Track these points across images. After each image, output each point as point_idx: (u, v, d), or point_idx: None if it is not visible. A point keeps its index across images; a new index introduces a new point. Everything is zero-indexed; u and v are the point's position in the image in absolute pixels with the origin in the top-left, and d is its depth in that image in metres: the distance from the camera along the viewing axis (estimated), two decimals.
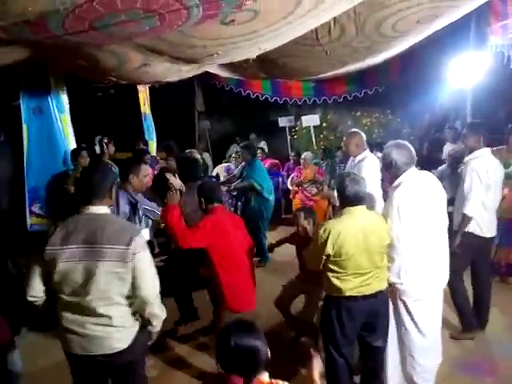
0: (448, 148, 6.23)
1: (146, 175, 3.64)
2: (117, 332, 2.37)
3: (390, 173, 3.17)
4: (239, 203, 7.27)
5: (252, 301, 3.47)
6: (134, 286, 2.33)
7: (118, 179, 3.29)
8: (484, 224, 3.86)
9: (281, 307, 4.05)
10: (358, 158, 4.55)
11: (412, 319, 3.11)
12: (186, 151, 5.96)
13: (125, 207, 3.42)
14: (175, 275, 4.17)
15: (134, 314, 2.43)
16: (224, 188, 6.33)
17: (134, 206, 3.55)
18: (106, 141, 7.23)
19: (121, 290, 2.33)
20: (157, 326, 2.52)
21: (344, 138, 4.79)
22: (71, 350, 2.39)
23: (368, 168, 4.31)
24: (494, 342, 3.94)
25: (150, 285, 2.38)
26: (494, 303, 4.15)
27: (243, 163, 6.50)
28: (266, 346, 1.82)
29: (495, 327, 4.08)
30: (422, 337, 3.13)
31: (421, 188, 3.07)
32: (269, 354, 1.81)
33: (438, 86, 7.65)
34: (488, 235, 3.95)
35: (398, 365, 3.23)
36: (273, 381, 1.80)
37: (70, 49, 3.23)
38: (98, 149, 8.20)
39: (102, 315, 2.32)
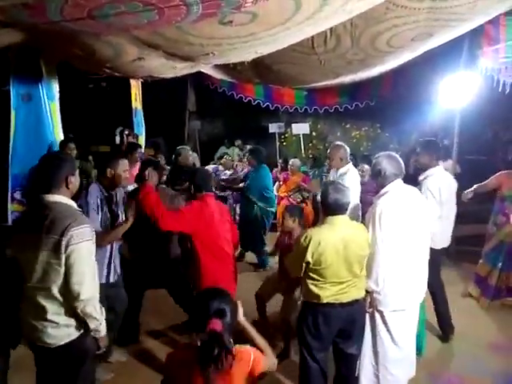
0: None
1: (125, 170, 3.55)
2: (50, 327, 2.32)
3: (377, 182, 3.23)
4: (237, 207, 7.30)
5: (230, 291, 3.43)
6: (65, 279, 2.26)
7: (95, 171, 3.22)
8: (437, 238, 3.87)
9: (258, 299, 4.10)
10: (341, 170, 4.65)
11: (387, 330, 3.15)
12: (178, 147, 5.86)
13: (92, 198, 3.33)
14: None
15: (74, 313, 2.34)
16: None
17: (108, 200, 3.47)
18: (126, 132, 7.25)
19: (57, 283, 2.27)
20: (96, 329, 2.41)
21: (328, 151, 4.86)
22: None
23: (350, 181, 4.41)
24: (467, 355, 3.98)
25: (83, 280, 2.27)
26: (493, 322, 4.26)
27: (247, 168, 6.45)
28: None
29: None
30: (396, 348, 3.17)
31: (405, 200, 3.12)
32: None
33: (428, 104, 7.75)
34: (439, 247, 4.00)
35: (372, 373, 3.25)
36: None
37: (66, 36, 3.21)
38: (117, 139, 8.17)
39: (38, 305, 2.29)
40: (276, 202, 6.51)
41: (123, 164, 3.50)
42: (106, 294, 3.03)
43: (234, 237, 3.65)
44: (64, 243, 2.21)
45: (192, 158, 6.24)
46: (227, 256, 3.45)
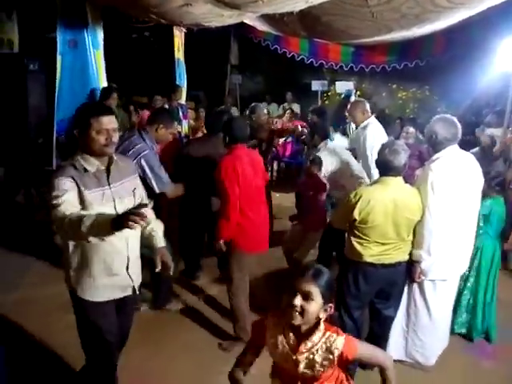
0: (491, 133, 6.08)
1: (172, 133, 3.65)
2: None
3: (431, 146, 3.08)
4: None
5: (261, 243, 3.45)
6: None
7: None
8: None
9: (286, 254, 4.19)
10: (363, 124, 4.56)
11: (424, 298, 3.10)
12: (253, 104, 5.66)
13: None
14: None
15: None
16: None
17: None
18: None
19: None
20: None
21: (348, 108, 4.77)
22: None
23: (371, 134, 4.34)
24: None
25: None
26: None
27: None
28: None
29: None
30: (429, 317, 3.13)
31: (459, 167, 2.97)
32: None
33: (482, 67, 7.34)
34: None
35: (401, 337, 3.25)
36: None
37: None
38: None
39: None
40: None
41: (175, 127, 3.68)
42: None
43: (265, 184, 3.60)
44: None
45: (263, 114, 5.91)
46: (257, 207, 3.37)
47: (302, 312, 1.71)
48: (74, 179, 2.12)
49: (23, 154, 6.18)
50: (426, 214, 2.88)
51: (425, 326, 3.15)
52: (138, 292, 2.49)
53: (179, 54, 8.27)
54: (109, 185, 2.23)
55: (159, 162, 3.42)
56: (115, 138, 2.23)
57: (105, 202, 2.19)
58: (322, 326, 1.79)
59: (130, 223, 1.77)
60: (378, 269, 2.86)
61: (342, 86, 8.80)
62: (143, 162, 3.26)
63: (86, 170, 2.18)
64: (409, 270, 3.00)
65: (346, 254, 3.01)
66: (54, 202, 2.04)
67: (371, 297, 3.01)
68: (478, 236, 3.32)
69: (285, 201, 6.38)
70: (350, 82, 9.01)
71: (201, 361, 3.30)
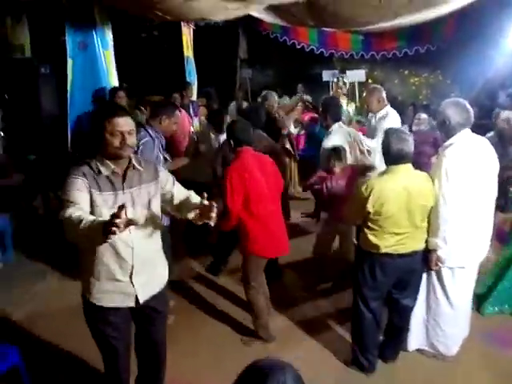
0: (506, 115, 5.93)
1: (176, 122, 3.62)
2: None
3: (443, 132, 3.00)
4: None
5: (278, 247, 3.42)
6: None
7: None
8: None
9: (321, 255, 4.16)
10: (380, 114, 4.52)
11: (442, 286, 3.06)
12: (265, 91, 5.56)
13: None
14: None
15: None
16: None
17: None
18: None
19: None
20: None
21: (364, 95, 4.68)
22: None
23: (390, 124, 4.15)
24: None
25: None
26: None
27: None
28: None
29: None
30: (449, 305, 3.09)
31: (473, 152, 2.90)
32: None
33: (495, 50, 7.19)
34: None
35: (422, 326, 3.22)
36: None
37: None
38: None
39: None
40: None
41: (177, 116, 3.61)
42: None
43: (279, 187, 3.46)
44: None
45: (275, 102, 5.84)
46: (270, 212, 3.30)
47: None
48: (86, 178, 2.08)
49: (39, 157, 6.26)
50: (440, 201, 2.83)
51: (445, 315, 3.11)
52: (140, 302, 2.32)
53: (188, 51, 8.29)
54: (123, 189, 2.16)
55: (158, 149, 3.39)
56: (131, 140, 2.13)
57: (115, 206, 2.03)
58: None
59: (113, 229, 1.68)
60: (394, 259, 2.84)
61: (354, 75, 8.72)
62: (141, 148, 3.23)
63: (100, 172, 2.12)
64: (426, 259, 2.97)
65: (361, 245, 2.99)
66: (64, 197, 2.04)
67: (388, 287, 2.98)
68: None
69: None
70: (361, 70, 8.91)
71: (222, 355, 3.33)
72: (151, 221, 2.28)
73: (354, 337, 3.14)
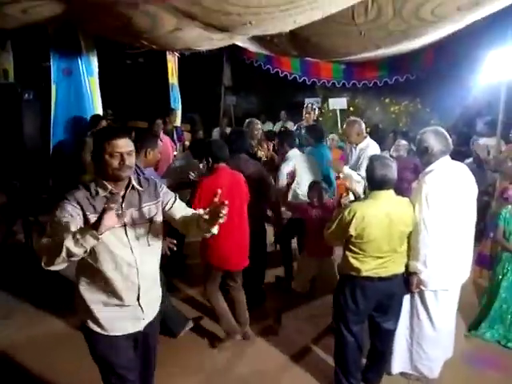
0: (483, 142, 6.12)
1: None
2: None
3: (423, 159, 3.07)
4: None
5: (237, 262, 3.60)
6: None
7: None
8: None
9: (301, 289, 4.18)
10: (361, 146, 4.68)
11: (426, 309, 3.09)
12: (248, 119, 5.68)
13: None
14: None
15: None
16: None
17: None
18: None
19: None
20: None
21: (344, 127, 4.89)
22: None
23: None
24: None
25: None
26: None
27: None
28: None
29: None
30: (432, 328, 3.11)
31: (453, 178, 2.98)
32: None
33: (471, 79, 7.42)
34: None
35: (406, 350, 3.23)
36: None
37: (104, 6, 3.22)
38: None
39: None
40: None
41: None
42: None
43: (244, 204, 3.56)
44: None
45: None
46: (233, 229, 3.40)
47: None
48: (79, 204, 2.06)
49: (20, 181, 6.19)
50: (421, 227, 2.89)
51: (429, 338, 3.13)
52: (148, 323, 2.34)
53: (173, 78, 8.40)
54: (121, 210, 2.12)
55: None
56: (130, 161, 2.12)
57: (116, 227, 2.04)
58: None
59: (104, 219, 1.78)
60: (375, 282, 2.86)
61: (335, 103, 8.91)
62: None
63: (97, 193, 2.11)
64: (407, 282, 3.00)
65: (342, 269, 3.02)
66: (52, 220, 2.01)
67: (370, 311, 3.00)
68: None
69: None
70: (342, 98, 9.11)
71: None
72: (153, 240, 2.29)
73: (337, 361, 3.12)
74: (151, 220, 2.26)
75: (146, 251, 2.25)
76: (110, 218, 1.83)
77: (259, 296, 4.31)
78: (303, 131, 6.88)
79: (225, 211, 1.98)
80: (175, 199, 2.40)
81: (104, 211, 1.82)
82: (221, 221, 1.99)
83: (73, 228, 1.95)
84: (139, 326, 2.31)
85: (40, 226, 5.84)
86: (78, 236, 1.82)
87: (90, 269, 2.14)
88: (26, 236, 5.59)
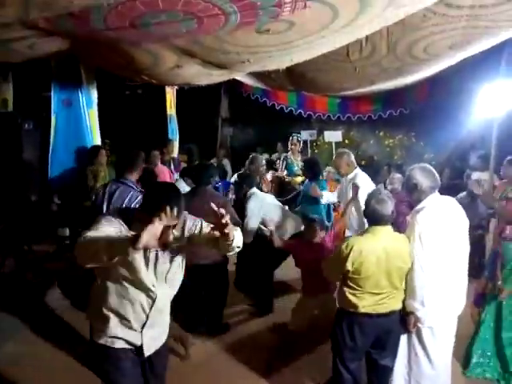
0: (477, 177, 6.19)
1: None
2: None
3: (413, 196, 3.09)
4: None
5: None
6: None
7: None
8: None
9: (297, 329, 4.07)
10: (350, 176, 4.76)
11: (423, 346, 3.06)
12: (253, 154, 5.90)
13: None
14: None
15: None
16: None
17: None
18: None
19: None
20: None
21: (334, 158, 5.00)
22: None
23: (360, 185, 4.46)
24: None
25: None
26: None
27: None
28: None
29: None
30: (430, 365, 3.08)
31: (444, 214, 2.99)
32: None
33: (465, 113, 7.56)
34: None
35: None
36: None
37: (107, 44, 3.31)
38: None
39: None
40: None
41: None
42: None
43: None
44: None
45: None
46: None
47: None
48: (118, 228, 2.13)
49: (18, 211, 6.20)
50: (416, 266, 2.88)
51: (427, 375, 3.09)
52: (145, 355, 2.38)
53: (171, 110, 8.53)
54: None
55: None
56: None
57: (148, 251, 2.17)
58: None
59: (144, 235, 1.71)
60: (373, 319, 2.86)
61: (331, 136, 9.05)
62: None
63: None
64: (404, 320, 2.99)
65: (340, 304, 3.02)
66: (92, 227, 2.07)
67: (367, 348, 2.98)
68: None
69: None
70: (338, 131, 9.26)
71: None
72: (175, 275, 2.39)
73: None
74: (172, 260, 2.34)
75: (167, 284, 2.35)
76: (150, 234, 1.74)
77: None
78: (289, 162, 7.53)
79: (227, 218, 1.98)
80: (202, 225, 2.37)
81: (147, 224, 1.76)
82: (227, 231, 1.99)
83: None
84: (138, 341, 2.34)
85: (33, 255, 5.83)
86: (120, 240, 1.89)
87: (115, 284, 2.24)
88: (17, 265, 5.56)
